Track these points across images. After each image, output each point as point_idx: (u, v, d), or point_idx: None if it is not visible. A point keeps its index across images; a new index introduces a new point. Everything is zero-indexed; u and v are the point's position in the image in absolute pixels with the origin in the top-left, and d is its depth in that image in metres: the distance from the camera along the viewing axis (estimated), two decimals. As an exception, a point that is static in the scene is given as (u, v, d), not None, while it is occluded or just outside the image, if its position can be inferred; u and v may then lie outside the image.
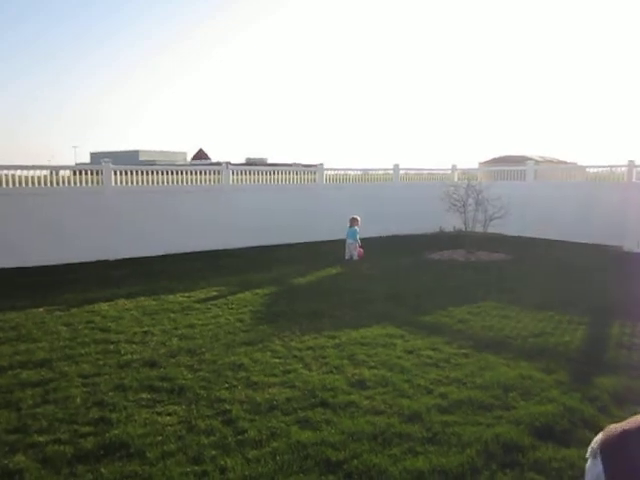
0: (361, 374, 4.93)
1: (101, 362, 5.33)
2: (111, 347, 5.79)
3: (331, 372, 5.02)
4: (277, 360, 5.35)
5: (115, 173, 12.08)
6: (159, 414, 4.18)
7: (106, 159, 12.41)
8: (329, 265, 10.94)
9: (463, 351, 5.57)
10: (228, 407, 4.28)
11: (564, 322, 6.74)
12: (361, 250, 11.64)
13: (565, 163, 19.05)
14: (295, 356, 5.46)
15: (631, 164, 13.43)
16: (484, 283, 9.21)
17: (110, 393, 4.57)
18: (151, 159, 63.04)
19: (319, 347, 5.74)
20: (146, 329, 6.46)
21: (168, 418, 4.12)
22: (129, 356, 5.49)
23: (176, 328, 6.49)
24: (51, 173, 11.67)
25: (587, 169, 15.76)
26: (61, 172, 12.03)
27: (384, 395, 4.47)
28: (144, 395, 4.52)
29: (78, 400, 4.42)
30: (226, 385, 4.73)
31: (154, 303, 7.78)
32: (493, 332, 6.32)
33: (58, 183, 11.65)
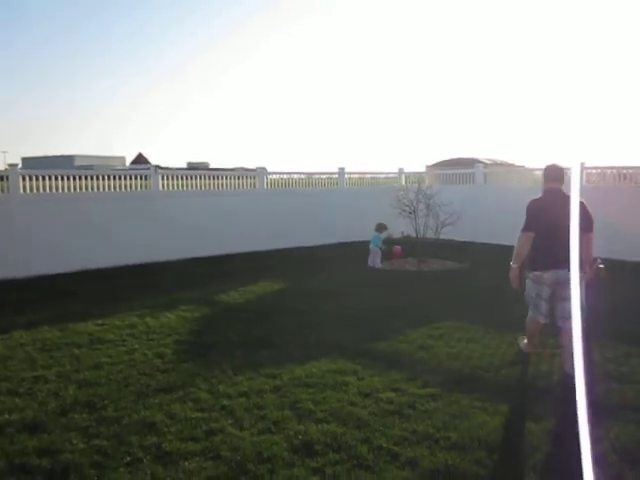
0: (307, 432, 3.87)
1: (-35, 427, 4.05)
2: (-15, 402, 4.50)
3: (269, 430, 3.93)
4: (200, 414, 4.21)
5: (24, 179, 10.58)
6: (23, 517, 2.99)
7: (13, 163, 10.86)
8: (270, 279, 9.84)
9: (430, 391, 4.61)
10: (125, 498, 3.13)
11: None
12: (398, 248, 11.67)
13: (513, 166, 18.70)
14: (224, 407, 4.35)
15: (581, 166, 13.06)
16: (440, 297, 8.37)
17: (-38, 481, 3.33)
18: (88, 164, 59.69)
19: (255, 392, 4.64)
20: (39, 373, 5.18)
21: (36, 523, 2.93)
22: (5, 416, 4.21)
23: (77, 370, 5.23)
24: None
25: (534, 172, 15.35)
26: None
27: (336, 466, 3.42)
28: (10, 482, 3.30)
29: None
30: (128, 459, 3.55)
31: (58, 335, 6.46)
32: (460, 362, 5.41)
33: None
